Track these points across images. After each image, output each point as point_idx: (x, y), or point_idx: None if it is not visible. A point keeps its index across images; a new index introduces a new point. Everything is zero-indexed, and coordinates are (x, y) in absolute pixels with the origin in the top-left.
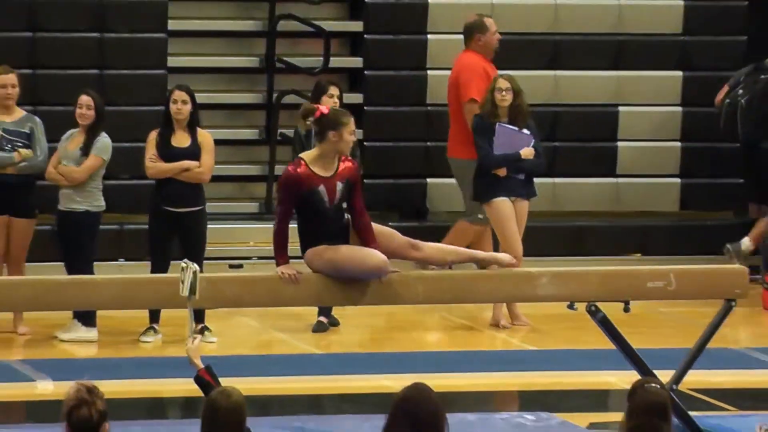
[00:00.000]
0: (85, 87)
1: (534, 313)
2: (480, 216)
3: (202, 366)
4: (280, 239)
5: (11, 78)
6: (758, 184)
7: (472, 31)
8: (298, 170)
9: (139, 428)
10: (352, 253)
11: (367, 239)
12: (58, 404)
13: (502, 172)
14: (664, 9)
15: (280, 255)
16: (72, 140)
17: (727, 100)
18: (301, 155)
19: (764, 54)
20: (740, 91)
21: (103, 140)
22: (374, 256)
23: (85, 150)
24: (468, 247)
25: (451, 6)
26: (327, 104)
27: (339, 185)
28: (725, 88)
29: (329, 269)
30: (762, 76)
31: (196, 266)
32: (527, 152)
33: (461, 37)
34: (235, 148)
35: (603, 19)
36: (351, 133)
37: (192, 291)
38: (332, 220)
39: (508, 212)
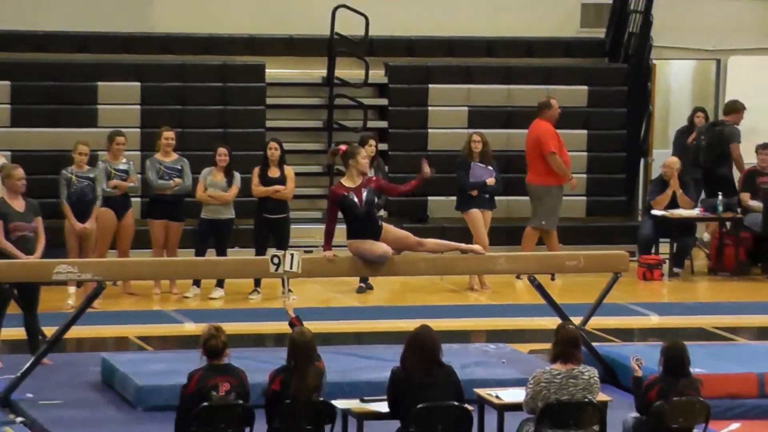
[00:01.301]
0: (214, 142)
1: (495, 281)
2: (543, 222)
3: (293, 315)
4: (326, 235)
5: (171, 134)
6: (714, 193)
7: (543, 108)
8: (334, 187)
9: (249, 353)
10: (367, 245)
11: (399, 190)
12: (196, 338)
13: (475, 192)
14: (575, 91)
15: (326, 244)
16: (213, 175)
17: (694, 142)
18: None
19: (637, 119)
20: (702, 137)
21: (239, 175)
22: (380, 247)
23: (229, 182)
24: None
25: (443, 89)
26: (367, 152)
27: (363, 192)
28: (694, 134)
29: (356, 254)
30: (716, 128)
31: (299, 254)
32: (491, 181)
33: (453, 108)
34: (307, 177)
35: (537, 98)
36: (363, 157)
37: (297, 267)
38: (364, 222)
39: (479, 218)
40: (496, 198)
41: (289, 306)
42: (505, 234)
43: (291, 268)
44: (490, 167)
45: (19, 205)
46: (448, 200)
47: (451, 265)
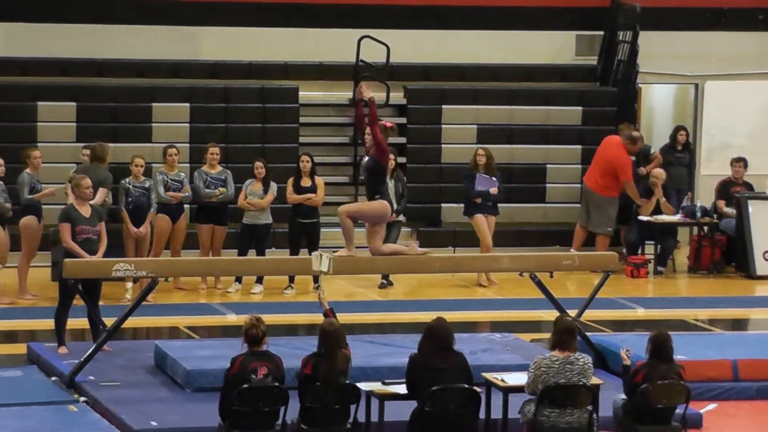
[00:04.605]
0: (254, 156)
1: (500, 278)
2: (609, 229)
3: (328, 307)
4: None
5: (216, 149)
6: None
7: (630, 139)
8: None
9: (283, 341)
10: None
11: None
12: (238, 327)
13: (479, 200)
14: (571, 111)
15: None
16: (253, 185)
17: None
18: None
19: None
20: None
21: (275, 185)
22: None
23: (266, 190)
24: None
25: (454, 109)
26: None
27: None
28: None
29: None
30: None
31: (331, 255)
32: (494, 190)
33: (463, 126)
34: (335, 187)
35: (537, 117)
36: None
37: (328, 266)
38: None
39: (484, 223)
40: (501, 205)
41: (323, 299)
42: (509, 236)
43: (325, 266)
44: (493, 178)
45: (85, 211)
46: (459, 207)
47: (462, 263)
